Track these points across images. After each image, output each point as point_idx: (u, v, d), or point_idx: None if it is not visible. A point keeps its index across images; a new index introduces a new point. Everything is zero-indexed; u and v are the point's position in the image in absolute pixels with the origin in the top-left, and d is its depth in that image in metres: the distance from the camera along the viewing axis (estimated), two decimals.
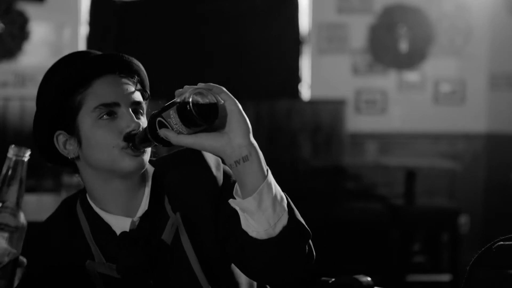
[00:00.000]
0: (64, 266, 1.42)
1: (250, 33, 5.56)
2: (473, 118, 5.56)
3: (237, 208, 1.26)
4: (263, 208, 1.23)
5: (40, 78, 1.45)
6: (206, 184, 1.44)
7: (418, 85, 5.54)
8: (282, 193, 1.28)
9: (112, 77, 1.39)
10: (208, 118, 1.20)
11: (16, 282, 1.17)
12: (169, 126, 1.21)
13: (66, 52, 1.49)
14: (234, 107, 1.23)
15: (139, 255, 1.37)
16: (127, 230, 1.41)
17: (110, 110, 1.37)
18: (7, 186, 1.14)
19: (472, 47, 5.52)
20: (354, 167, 5.38)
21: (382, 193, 5.31)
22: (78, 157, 1.42)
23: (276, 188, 1.26)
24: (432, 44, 5.47)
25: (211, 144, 1.23)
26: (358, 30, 5.46)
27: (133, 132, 1.35)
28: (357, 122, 5.50)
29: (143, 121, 1.39)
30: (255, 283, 1.52)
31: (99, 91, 1.37)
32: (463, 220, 5.22)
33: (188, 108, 1.17)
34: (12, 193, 1.14)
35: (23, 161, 1.15)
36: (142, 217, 1.42)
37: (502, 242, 1.30)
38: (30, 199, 3.45)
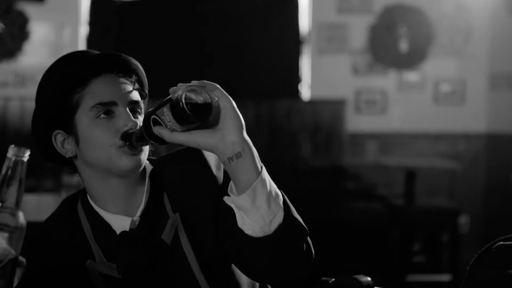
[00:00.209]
0: (65, 265, 1.42)
1: (250, 33, 5.56)
2: (473, 118, 5.56)
3: (232, 206, 1.26)
4: (257, 205, 1.23)
5: (40, 78, 1.45)
6: (206, 183, 1.44)
7: (418, 85, 5.54)
8: (278, 190, 1.28)
9: (110, 76, 1.39)
10: (201, 115, 1.20)
11: (15, 282, 1.17)
12: (163, 123, 1.21)
13: (66, 52, 1.49)
14: (228, 104, 1.23)
15: (139, 254, 1.38)
16: (127, 229, 1.41)
17: (107, 109, 1.37)
18: (7, 186, 1.14)
19: (472, 47, 5.52)
20: (354, 167, 5.38)
21: (382, 193, 5.31)
22: (76, 156, 1.42)
23: (271, 185, 1.26)
24: (432, 44, 5.47)
25: (205, 141, 1.22)
26: (358, 30, 5.46)
27: (130, 131, 1.35)
28: (357, 122, 5.50)
29: (141, 120, 1.39)
30: (257, 284, 1.52)
31: (97, 91, 1.37)
32: (463, 220, 5.22)
33: (181, 106, 1.17)
34: (11, 193, 1.14)
35: (23, 161, 1.15)
36: (142, 217, 1.42)
37: (502, 242, 1.30)
38: (30, 199, 3.45)
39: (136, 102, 1.41)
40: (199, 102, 1.19)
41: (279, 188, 1.29)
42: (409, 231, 4.96)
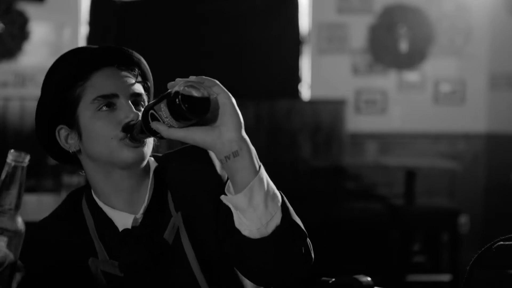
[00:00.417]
0: (67, 262, 1.41)
1: (250, 33, 5.56)
2: (473, 118, 5.56)
3: (230, 205, 1.25)
4: (254, 205, 1.21)
5: (40, 78, 1.45)
6: (210, 182, 1.42)
7: (418, 85, 5.54)
8: (277, 191, 1.26)
9: (110, 69, 1.39)
10: (198, 112, 1.17)
11: (14, 287, 1.17)
12: (160, 119, 1.19)
13: None
14: (227, 101, 1.21)
15: (141, 253, 1.37)
16: (130, 226, 1.40)
17: (108, 101, 1.36)
18: (6, 191, 1.14)
19: (472, 47, 5.52)
20: (354, 167, 5.38)
21: (382, 193, 5.31)
22: (79, 151, 1.41)
23: (269, 185, 1.24)
24: (432, 44, 5.47)
25: (202, 138, 1.20)
26: (358, 30, 5.46)
27: (131, 123, 1.34)
28: (357, 122, 5.50)
29: None
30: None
31: (98, 84, 1.37)
32: (463, 220, 5.22)
33: (177, 102, 1.14)
34: (11, 198, 1.14)
35: (23, 167, 1.14)
36: (145, 214, 1.41)
37: (502, 242, 1.30)
38: (30, 199, 3.44)
39: (139, 95, 1.40)
40: (197, 98, 1.16)
41: (278, 188, 1.28)
42: (409, 231, 4.96)
